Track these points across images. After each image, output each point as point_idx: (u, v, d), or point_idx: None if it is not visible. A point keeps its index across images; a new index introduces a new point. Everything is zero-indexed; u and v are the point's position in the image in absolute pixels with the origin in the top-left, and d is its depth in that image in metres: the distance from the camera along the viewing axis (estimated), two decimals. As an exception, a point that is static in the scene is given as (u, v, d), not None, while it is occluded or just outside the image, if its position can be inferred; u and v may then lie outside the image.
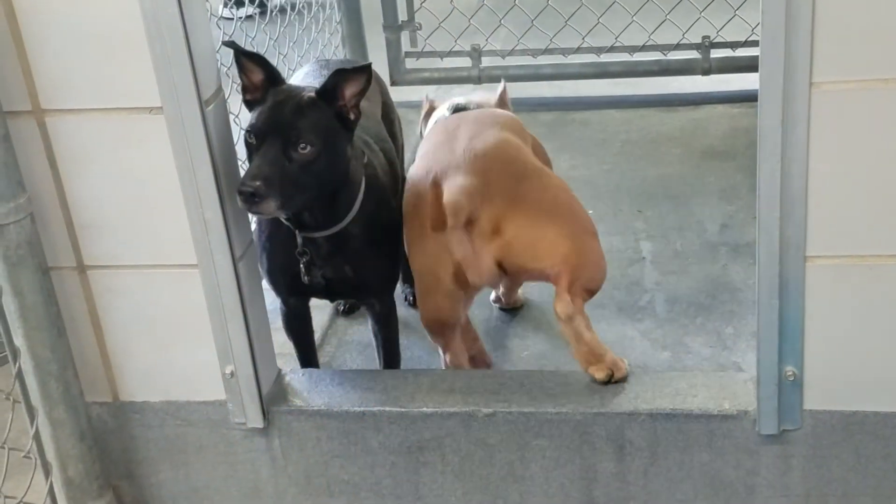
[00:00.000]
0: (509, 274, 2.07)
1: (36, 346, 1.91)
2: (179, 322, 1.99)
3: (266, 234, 2.08)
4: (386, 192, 2.14)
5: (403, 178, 2.27)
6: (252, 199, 1.78)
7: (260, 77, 1.92)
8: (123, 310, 2.00)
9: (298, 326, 2.25)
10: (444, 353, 2.20)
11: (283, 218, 1.98)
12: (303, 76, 2.41)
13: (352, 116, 1.92)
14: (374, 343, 2.28)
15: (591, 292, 2.07)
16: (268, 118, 1.87)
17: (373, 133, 2.23)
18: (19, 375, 1.92)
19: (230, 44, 1.95)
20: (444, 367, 2.22)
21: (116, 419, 2.10)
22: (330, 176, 1.91)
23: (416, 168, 2.11)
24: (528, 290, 2.65)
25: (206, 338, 1.98)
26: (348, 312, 2.64)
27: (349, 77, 1.88)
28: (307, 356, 2.28)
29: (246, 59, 1.92)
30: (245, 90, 1.94)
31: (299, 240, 2.01)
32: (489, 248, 2.00)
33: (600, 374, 2.00)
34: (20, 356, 1.91)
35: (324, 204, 1.96)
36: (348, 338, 2.56)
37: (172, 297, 1.97)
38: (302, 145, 1.84)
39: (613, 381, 2.01)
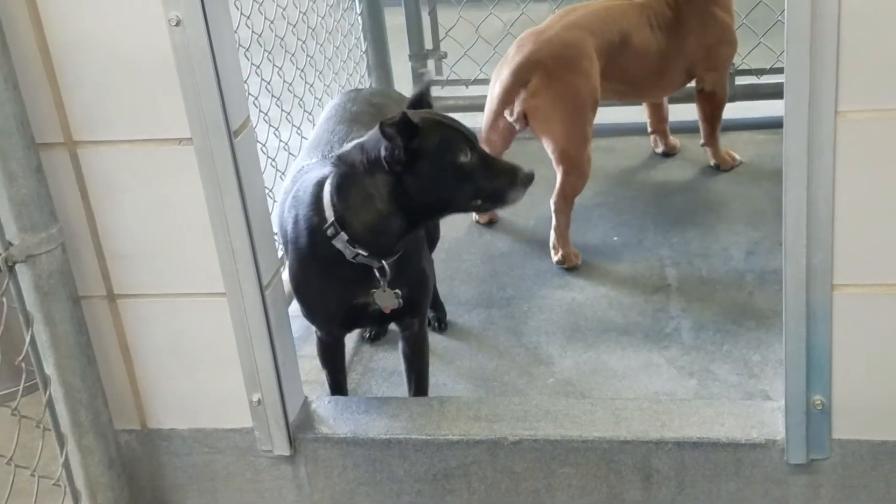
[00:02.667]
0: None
1: (66, 374, 1.93)
2: (207, 350, 2.00)
3: (315, 266, 2.02)
4: None
5: None
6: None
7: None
8: (152, 338, 2.01)
9: (336, 357, 2.24)
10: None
11: (348, 246, 1.95)
12: (334, 108, 2.42)
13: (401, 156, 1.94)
14: (402, 369, 2.26)
15: (574, 194, 2.87)
16: (462, 128, 1.97)
17: None
18: (50, 403, 1.94)
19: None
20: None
21: (145, 447, 2.11)
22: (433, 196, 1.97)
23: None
24: (548, 320, 2.65)
25: (233, 366, 1.99)
26: (374, 339, 2.65)
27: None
28: (340, 386, 2.27)
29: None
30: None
31: (378, 266, 1.98)
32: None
33: (554, 258, 2.87)
34: (51, 384, 1.93)
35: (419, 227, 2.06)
36: (374, 365, 2.57)
37: (200, 326, 1.98)
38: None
39: (566, 267, 2.85)
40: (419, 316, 2.19)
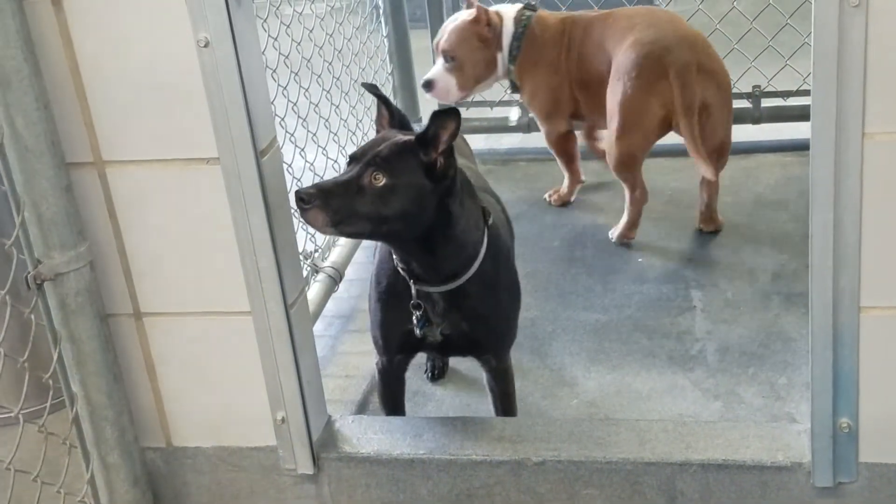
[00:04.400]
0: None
1: (92, 391, 1.94)
2: (232, 368, 2.01)
3: (384, 286, 2.03)
4: (507, 251, 2.10)
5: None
6: (302, 204, 1.79)
7: (387, 118, 2.00)
8: (178, 356, 2.03)
9: (395, 387, 2.19)
10: (633, 191, 3.00)
11: (400, 269, 1.96)
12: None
13: (439, 166, 1.86)
14: (488, 393, 2.22)
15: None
16: (362, 147, 1.91)
17: (490, 192, 2.24)
18: (76, 420, 1.96)
19: (370, 87, 2.03)
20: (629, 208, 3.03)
21: (169, 464, 2.12)
22: (400, 217, 1.85)
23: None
24: (572, 341, 2.64)
25: (257, 384, 2.00)
26: (434, 378, 2.55)
27: (445, 120, 1.84)
28: (395, 408, 2.22)
29: (379, 101, 1.99)
30: (378, 131, 2.01)
31: (413, 292, 1.96)
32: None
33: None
34: (77, 401, 1.95)
35: (420, 252, 1.92)
36: (398, 385, 2.57)
37: (225, 344, 1.99)
38: (376, 175, 1.83)
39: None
40: (490, 353, 2.13)
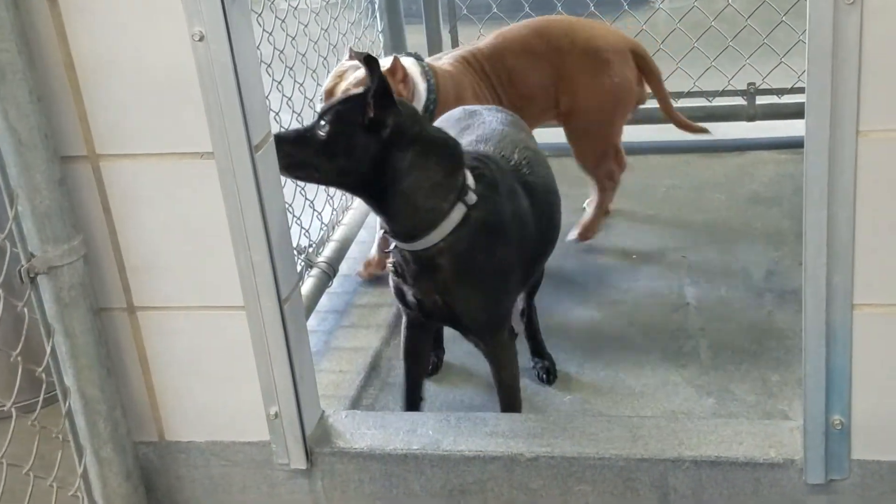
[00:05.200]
0: None
1: (85, 385, 1.94)
2: (225, 363, 2.01)
3: None
4: (499, 235, 2.07)
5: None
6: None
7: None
8: (171, 351, 2.02)
9: (411, 343, 2.25)
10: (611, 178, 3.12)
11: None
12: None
13: (371, 114, 1.92)
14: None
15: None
16: (329, 103, 2.05)
17: (540, 184, 2.22)
18: (69, 414, 1.95)
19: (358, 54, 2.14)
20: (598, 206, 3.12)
21: (162, 459, 2.12)
22: (339, 167, 1.96)
23: None
24: (566, 337, 2.65)
25: (251, 379, 2.00)
26: (431, 373, 2.54)
27: (373, 68, 1.93)
28: (411, 390, 2.29)
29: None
30: None
31: (392, 245, 2.07)
32: None
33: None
34: (70, 395, 1.94)
35: (374, 204, 2.01)
36: (391, 380, 2.57)
37: (219, 339, 1.99)
38: (322, 126, 1.97)
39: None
40: (472, 333, 2.15)
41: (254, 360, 1.98)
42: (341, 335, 2.77)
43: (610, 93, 2.96)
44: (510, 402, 2.22)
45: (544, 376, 2.50)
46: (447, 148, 2.01)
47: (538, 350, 2.54)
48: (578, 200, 3.25)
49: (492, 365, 2.20)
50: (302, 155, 1.97)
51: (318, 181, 2.10)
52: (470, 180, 2.02)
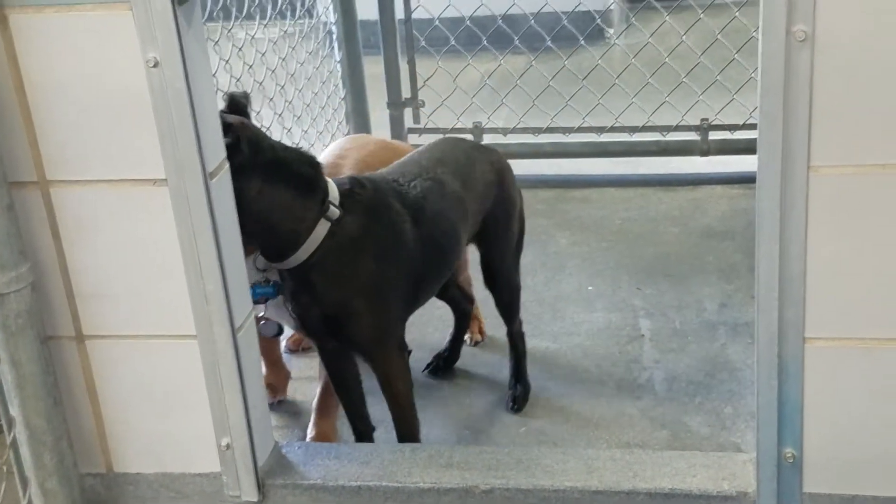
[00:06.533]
0: None
1: (31, 415, 1.90)
2: (176, 393, 1.98)
3: None
4: (361, 251, 2.07)
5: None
6: None
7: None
8: (121, 380, 1.99)
9: (335, 376, 2.26)
10: None
11: None
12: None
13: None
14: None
15: None
16: None
17: (431, 210, 2.20)
18: (13, 445, 1.91)
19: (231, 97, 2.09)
20: None
21: (110, 491, 2.08)
22: None
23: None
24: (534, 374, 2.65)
25: (202, 409, 1.97)
26: (434, 372, 2.66)
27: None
28: (354, 420, 2.28)
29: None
30: None
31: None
32: None
33: None
34: (15, 426, 1.90)
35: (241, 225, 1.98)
36: (345, 412, 2.54)
37: (170, 368, 1.96)
38: None
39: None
40: (356, 350, 2.18)
41: (205, 390, 1.95)
42: (296, 365, 2.75)
43: None
44: (401, 418, 2.21)
45: (510, 403, 2.50)
46: (300, 166, 2.03)
47: (514, 374, 2.54)
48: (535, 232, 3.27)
49: (379, 381, 2.19)
50: None
51: None
52: (334, 196, 2.05)
